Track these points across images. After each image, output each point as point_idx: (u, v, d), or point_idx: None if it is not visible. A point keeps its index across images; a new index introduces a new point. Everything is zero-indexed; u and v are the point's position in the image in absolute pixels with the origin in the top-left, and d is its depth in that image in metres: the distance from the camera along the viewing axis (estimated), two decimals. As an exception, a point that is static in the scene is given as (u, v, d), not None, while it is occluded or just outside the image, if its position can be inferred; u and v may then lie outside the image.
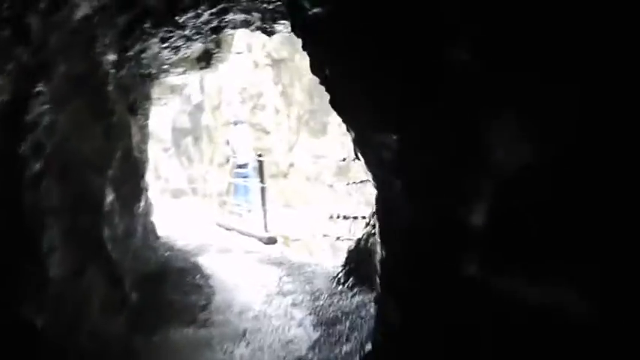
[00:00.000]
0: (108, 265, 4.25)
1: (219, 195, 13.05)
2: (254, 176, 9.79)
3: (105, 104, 4.40)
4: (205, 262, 6.63)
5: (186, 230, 8.86)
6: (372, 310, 4.24)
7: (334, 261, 6.66)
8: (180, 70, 6.74)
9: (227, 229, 9.04)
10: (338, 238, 7.87)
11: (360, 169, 8.66)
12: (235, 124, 10.44)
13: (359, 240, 5.51)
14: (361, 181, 6.68)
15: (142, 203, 5.95)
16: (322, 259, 7.25)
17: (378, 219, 3.43)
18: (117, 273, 4.41)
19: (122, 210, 4.81)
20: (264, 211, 8.09)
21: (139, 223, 5.71)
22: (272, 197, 11.60)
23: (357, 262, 5.34)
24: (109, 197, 4.44)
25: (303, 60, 10.57)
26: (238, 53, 12.81)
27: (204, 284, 5.74)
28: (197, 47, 6.14)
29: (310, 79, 10.25)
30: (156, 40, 5.09)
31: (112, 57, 4.39)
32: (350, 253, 5.72)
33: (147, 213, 6.38)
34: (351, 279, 5.35)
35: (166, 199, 17.18)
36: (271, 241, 7.71)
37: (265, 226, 8.01)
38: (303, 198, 10.71)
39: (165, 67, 6.32)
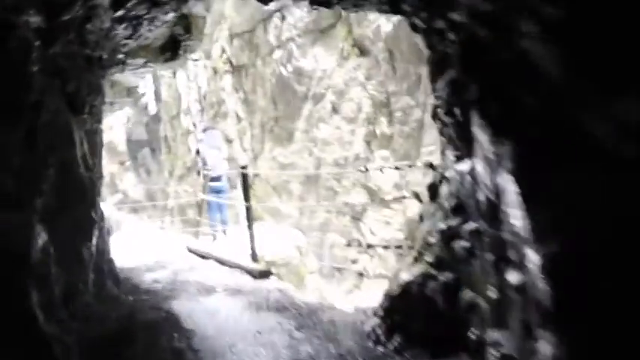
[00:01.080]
0: (39, 347, 2.86)
1: (180, 210, 12.44)
2: (228, 191, 9.03)
3: (25, 94, 2.95)
4: (183, 309, 4.81)
5: (152, 259, 7.24)
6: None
7: (349, 303, 5.53)
8: (141, 61, 5.57)
9: (202, 256, 7.24)
10: (361, 274, 6.97)
11: (330, 179, 8.35)
12: (205, 130, 9.37)
13: (409, 283, 3.52)
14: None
15: (94, 240, 4.47)
16: (333, 300, 5.97)
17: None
18: (55, 352, 2.95)
19: (61, 256, 3.46)
20: (251, 236, 6.19)
21: (89, 269, 4.30)
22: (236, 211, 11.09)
23: (406, 314, 3.53)
24: (39, 240, 3.09)
25: (264, 66, 10.23)
26: (196, 60, 12.27)
27: (186, 348, 3.96)
28: (161, 32, 5.18)
29: (273, 84, 9.97)
30: (105, 3, 3.75)
31: (35, 20, 2.90)
32: (392, 300, 3.72)
33: (102, 251, 4.91)
34: (396, 338, 3.59)
35: (124, 215, 16.43)
36: (264, 274, 5.88)
37: (253, 255, 6.19)
38: (272, 211, 10.24)
39: (121, 56, 5.13)
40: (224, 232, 8.27)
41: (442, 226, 3.12)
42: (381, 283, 7.01)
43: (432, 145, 6.21)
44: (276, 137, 9.99)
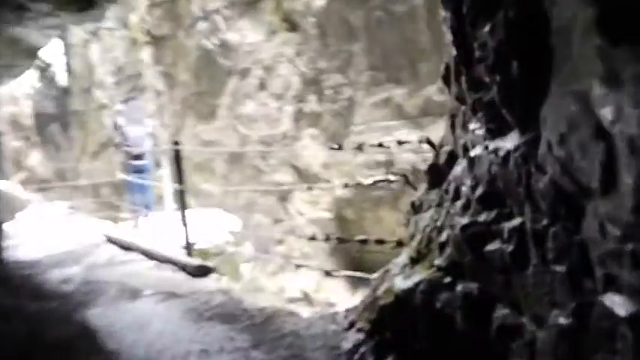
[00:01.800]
0: None
1: (95, 191, 11.71)
2: (152, 171, 7.87)
3: None
4: (102, 321, 3.65)
5: (61, 250, 6.12)
6: None
7: (275, 285, 5.19)
8: (45, 7, 4.51)
9: (124, 246, 5.95)
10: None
11: (255, 157, 8.10)
12: (126, 101, 8.20)
13: (408, 292, 2.54)
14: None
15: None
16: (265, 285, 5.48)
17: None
18: None
19: None
20: (185, 224, 5.09)
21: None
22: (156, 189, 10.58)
23: (403, 331, 2.58)
24: None
25: (187, 38, 9.74)
26: (111, 29, 11.51)
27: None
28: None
29: (196, 57, 9.50)
30: None
31: None
32: (382, 311, 2.71)
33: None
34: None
35: (30, 195, 15.27)
36: (202, 271, 4.71)
37: (188, 247, 5.09)
38: (193, 190, 9.83)
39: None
40: (147, 217, 7.25)
41: (461, 220, 2.21)
42: (308, 265, 6.91)
43: (361, 125, 6.13)
44: (198, 113, 9.56)
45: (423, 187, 2.93)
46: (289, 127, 7.16)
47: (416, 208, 2.86)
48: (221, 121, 8.82)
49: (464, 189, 2.23)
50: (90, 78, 12.72)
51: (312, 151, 6.88)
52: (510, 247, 1.93)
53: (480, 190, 2.12)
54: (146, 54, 10.52)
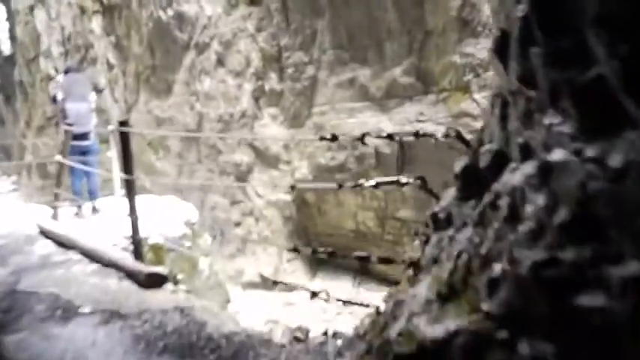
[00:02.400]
0: None
1: (40, 169, 11.12)
2: (98, 152, 6.82)
3: None
4: (22, 353, 2.70)
5: None
6: None
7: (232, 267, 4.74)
8: None
9: (61, 243, 4.90)
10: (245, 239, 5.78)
11: (213, 135, 7.79)
12: (67, 72, 6.56)
13: (443, 341, 1.64)
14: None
15: None
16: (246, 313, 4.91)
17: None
18: None
19: None
20: (134, 223, 4.15)
21: None
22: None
23: None
24: None
25: (141, 8, 9.24)
26: (59, -4, 10.85)
27: None
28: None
29: (151, 29, 9.04)
30: None
31: None
32: None
33: None
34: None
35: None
36: (154, 280, 3.75)
37: (136, 250, 4.13)
38: (147, 169, 9.45)
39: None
40: (93, 207, 6.38)
41: (531, 254, 1.46)
42: (266, 248, 6.75)
43: (324, 105, 5.94)
44: (152, 88, 9.15)
45: (449, 194, 2.13)
46: (248, 106, 6.89)
47: (439, 223, 2.09)
48: (177, 97, 8.45)
49: (529, 208, 1.52)
50: (35, 47, 11.99)
51: (272, 130, 6.66)
52: (622, 306, 1.26)
53: (563, 214, 1.42)
54: (96, 24, 9.96)
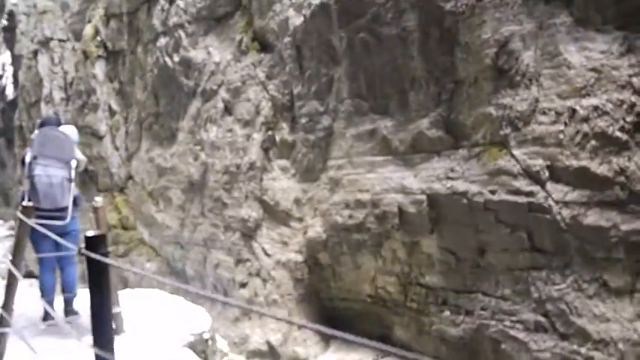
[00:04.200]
0: None
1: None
2: (76, 237, 5.08)
3: None
4: None
5: None
6: None
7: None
8: None
9: None
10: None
11: (218, 188, 7.31)
12: (42, 125, 5.20)
13: None
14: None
15: None
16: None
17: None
18: None
19: None
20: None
21: None
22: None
23: None
24: None
25: (146, 54, 8.94)
26: (62, 41, 10.61)
27: None
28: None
29: (155, 75, 8.70)
30: None
31: None
32: None
33: None
34: None
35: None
36: None
37: None
38: (147, 220, 8.94)
39: None
40: (67, 309, 4.89)
41: None
42: (275, 312, 6.14)
43: (341, 159, 5.47)
44: (155, 136, 8.73)
45: None
46: (257, 157, 6.42)
47: None
48: (180, 146, 8.01)
49: None
50: (37, 92, 11.70)
51: (282, 184, 6.17)
52: None
53: None
54: (99, 69, 9.65)
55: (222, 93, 7.02)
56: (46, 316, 4.75)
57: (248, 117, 6.58)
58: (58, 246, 4.65)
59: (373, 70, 5.08)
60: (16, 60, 13.54)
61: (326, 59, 5.54)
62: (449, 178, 4.52)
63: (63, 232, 4.58)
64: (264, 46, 6.46)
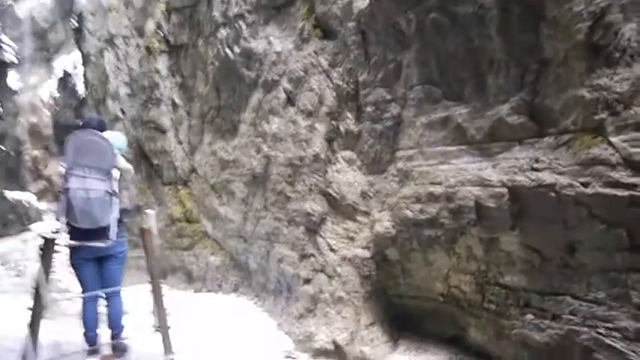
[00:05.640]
0: None
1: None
2: (123, 259, 4.66)
3: None
4: None
5: None
6: None
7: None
8: None
9: None
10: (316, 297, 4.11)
11: (281, 181, 7.14)
12: (84, 126, 4.51)
13: None
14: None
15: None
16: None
17: None
18: None
19: None
20: None
21: None
22: (168, 209, 9.70)
23: None
24: None
25: (207, 46, 8.87)
26: (126, 38, 10.74)
27: None
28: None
29: (216, 68, 8.62)
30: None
31: None
32: None
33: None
34: None
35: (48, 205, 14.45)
36: None
37: None
38: (210, 213, 8.90)
39: None
40: (114, 344, 4.41)
41: None
42: (341, 310, 5.90)
43: (411, 149, 5.14)
44: (217, 129, 8.66)
45: None
46: (321, 149, 6.18)
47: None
48: (242, 138, 7.88)
49: None
50: (103, 89, 11.93)
51: (347, 177, 5.89)
52: None
53: None
54: (162, 64, 9.68)
55: (284, 83, 6.82)
56: (91, 355, 4.29)
57: (311, 107, 6.35)
58: (102, 272, 4.27)
59: (446, 54, 4.71)
60: (85, 58, 13.89)
61: (393, 44, 5.21)
62: (533, 169, 4.10)
63: (106, 255, 4.22)
64: (327, 33, 6.19)
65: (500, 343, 4.71)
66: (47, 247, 3.26)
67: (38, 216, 19.07)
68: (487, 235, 4.55)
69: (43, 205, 19.98)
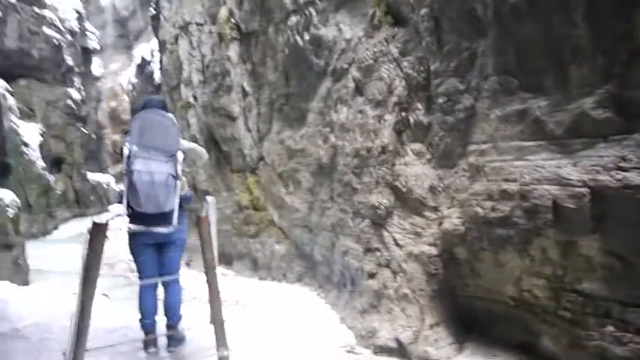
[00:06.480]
0: None
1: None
2: (182, 247, 4.54)
3: None
4: None
5: None
6: None
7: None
8: None
9: None
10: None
11: (347, 172, 7.02)
12: (146, 106, 4.22)
13: None
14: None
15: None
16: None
17: None
18: None
19: None
20: None
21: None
22: (236, 196, 9.83)
23: None
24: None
25: (277, 33, 8.84)
26: (200, 25, 10.90)
27: None
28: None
29: (286, 55, 8.58)
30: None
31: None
32: None
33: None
34: None
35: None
36: None
37: None
38: (276, 202, 8.93)
39: None
40: (170, 336, 4.33)
41: None
42: (405, 307, 5.73)
43: (484, 143, 4.86)
44: (285, 117, 8.64)
45: None
46: (389, 140, 5.99)
47: None
48: (310, 127, 7.81)
49: None
50: (177, 75, 12.22)
51: (416, 170, 5.68)
52: None
53: None
54: (233, 51, 9.75)
55: (353, 72, 6.66)
56: (147, 345, 4.25)
57: (380, 97, 6.16)
58: (161, 259, 4.18)
59: (525, 42, 4.38)
60: (161, 45, 14.28)
61: (468, 31, 4.92)
62: (619, 168, 3.74)
63: (166, 242, 4.12)
64: (398, 20, 5.96)
65: (575, 353, 4.39)
66: (98, 232, 3.16)
67: (116, 198, 20.00)
68: (564, 237, 4.23)
69: (121, 188, 20.96)
